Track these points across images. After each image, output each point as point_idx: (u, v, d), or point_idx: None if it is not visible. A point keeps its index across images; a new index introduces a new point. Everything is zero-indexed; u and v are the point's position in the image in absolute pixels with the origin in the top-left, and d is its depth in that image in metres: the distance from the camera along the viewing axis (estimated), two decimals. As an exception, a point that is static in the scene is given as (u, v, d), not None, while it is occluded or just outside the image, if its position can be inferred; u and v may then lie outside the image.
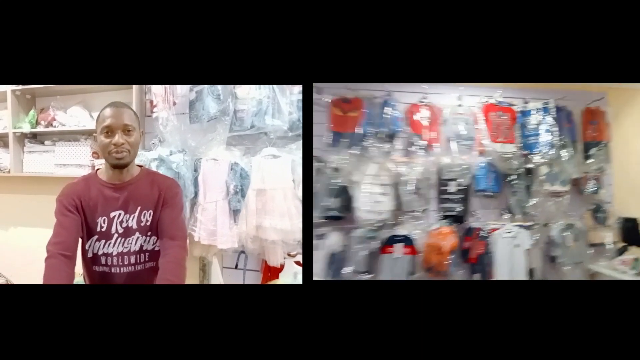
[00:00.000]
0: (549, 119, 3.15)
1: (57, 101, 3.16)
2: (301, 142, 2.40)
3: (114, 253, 1.67)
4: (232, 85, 2.64)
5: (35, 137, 3.26)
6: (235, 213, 2.64)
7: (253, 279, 2.79)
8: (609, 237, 3.32)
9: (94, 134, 1.65)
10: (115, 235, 1.66)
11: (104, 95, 3.09)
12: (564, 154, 3.18)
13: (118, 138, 1.57)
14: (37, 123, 3.15)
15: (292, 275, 2.58)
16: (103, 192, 1.66)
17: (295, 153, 2.60)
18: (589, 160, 3.34)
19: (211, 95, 2.67)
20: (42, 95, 3.30)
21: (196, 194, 2.67)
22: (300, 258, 2.59)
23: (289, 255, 2.65)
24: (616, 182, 3.46)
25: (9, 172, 3.20)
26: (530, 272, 2.97)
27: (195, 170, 2.71)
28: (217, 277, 2.69)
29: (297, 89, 2.59)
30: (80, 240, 1.67)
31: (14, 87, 3.12)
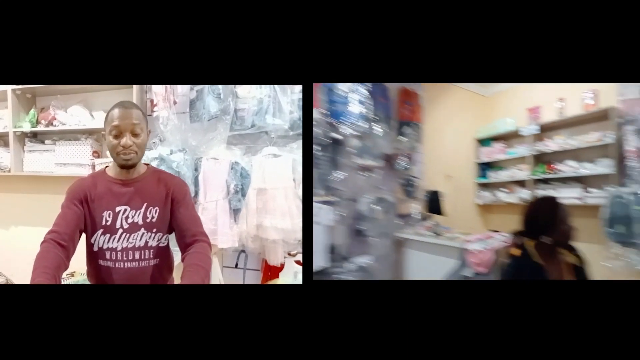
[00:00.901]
0: (363, 90, 2.97)
1: (57, 100, 3.16)
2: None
3: (119, 248, 1.68)
4: (232, 84, 2.64)
5: (35, 136, 3.27)
6: (235, 212, 2.65)
7: (253, 278, 2.79)
8: (416, 207, 3.59)
9: (102, 132, 1.68)
10: (120, 230, 1.67)
11: (105, 95, 3.10)
12: (377, 128, 3.09)
13: (126, 140, 1.60)
14: (38, 122, 3.16)
15: (292, 275, 2.58)
16: (110, 187, 1.69)
17: (296, 152, 2.60)
18: (403, 138, 3.44)
19: (212, 94, 2.67)
20: (42, 94, 3.30)
21: (197, 193, 2.67)
22: (300, 257, 2.59)
23: (289, 254, 2.65)
24: (426, 160, 3.84)
25: (9, 171, 3.20)
26: (332, 248, 2.83)
27: (196, 170, 2.71)
28: (217, 277, 2.69)
29: (298, 87, 2.58)
30: (84, 235, 1.70)
31: (14, 86, 3.12)
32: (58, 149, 3.10)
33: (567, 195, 3.63)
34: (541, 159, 4.08)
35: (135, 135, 1.62)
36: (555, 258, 1.75)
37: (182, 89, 2.77)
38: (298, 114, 2.60)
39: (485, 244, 2.85)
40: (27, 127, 3.14)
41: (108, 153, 3.01)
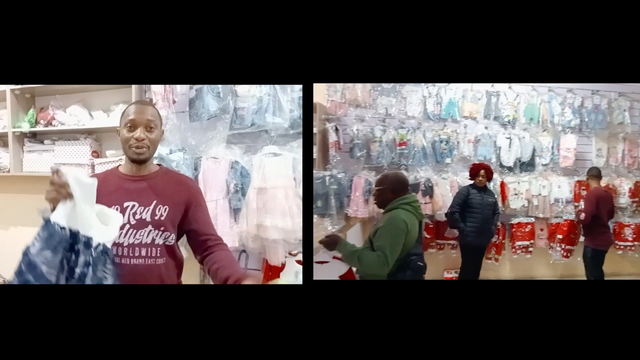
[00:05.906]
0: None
1: (56, 100, 3.15)
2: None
3: (125, 244, 1.66)
4: (232, 84, 2.64)
5: (34, 137, 3.26)
6: (235, 212, 2.64)
7: (254, 278, 2.78)
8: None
9: (117, 129, 1.70)
10: (127, 225, 1.66)
11: (104, 94, 3.08)
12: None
13: (140, 133, 1.62)
14: (37, 122, 3.15)
15: (293, 275, 2.58)
16: (120, 183, 1.70)
17: (296, 151, 2.59)
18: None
19: (211, 93, 2.67)
20: (41, 94, 3.29)
21: (196, 192, 2.66)
22: (301, 257, 2.59)
23: (290, 254, 2.64)
24: None
25: (8, 171, 3.19)
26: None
27: (196, 169, 2.70)
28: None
29: (298, 86, 2.58)
30: None
31: (13, 86, 3.11)
32: (57, 149, 3.09)
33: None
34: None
35: (149, 130, 1.64)
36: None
37: (181, 88, 2.76)
38: (298, 112, 2.60)
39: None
40: (26, 127, 3.13)
41: (108, 153, 3.03)
